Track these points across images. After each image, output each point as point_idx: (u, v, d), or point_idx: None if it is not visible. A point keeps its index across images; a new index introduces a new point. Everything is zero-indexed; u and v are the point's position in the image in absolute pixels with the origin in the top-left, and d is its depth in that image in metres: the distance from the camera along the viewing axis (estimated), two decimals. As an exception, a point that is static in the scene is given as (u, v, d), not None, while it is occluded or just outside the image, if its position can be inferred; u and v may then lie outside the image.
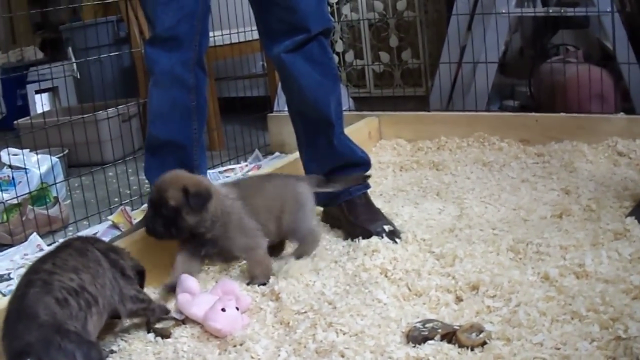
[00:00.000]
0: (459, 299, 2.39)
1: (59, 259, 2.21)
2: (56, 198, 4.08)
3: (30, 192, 3.94)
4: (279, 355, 2.13)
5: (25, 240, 3.67)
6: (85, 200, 3.98)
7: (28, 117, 5.78)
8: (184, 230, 2.56)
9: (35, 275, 2.13)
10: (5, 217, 3.87)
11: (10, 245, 3.67)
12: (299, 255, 2.77)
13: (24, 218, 3.76)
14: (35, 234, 3.66)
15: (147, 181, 4.24)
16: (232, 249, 2.70)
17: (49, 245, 3.59)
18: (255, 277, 2.66)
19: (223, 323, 2.27)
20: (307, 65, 2.92)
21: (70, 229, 3.90)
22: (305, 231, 2.82)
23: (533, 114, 4.07)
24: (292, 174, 3.08)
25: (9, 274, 3.31)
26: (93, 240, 2.46)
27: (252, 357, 2.14)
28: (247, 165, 4.50)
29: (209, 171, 3.68)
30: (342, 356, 2.05)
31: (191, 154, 3.13)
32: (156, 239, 2.61)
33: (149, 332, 2.39)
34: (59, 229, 3.89)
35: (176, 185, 2.54)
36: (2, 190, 4.04)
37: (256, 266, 2.69)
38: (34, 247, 3.57)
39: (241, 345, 2.22)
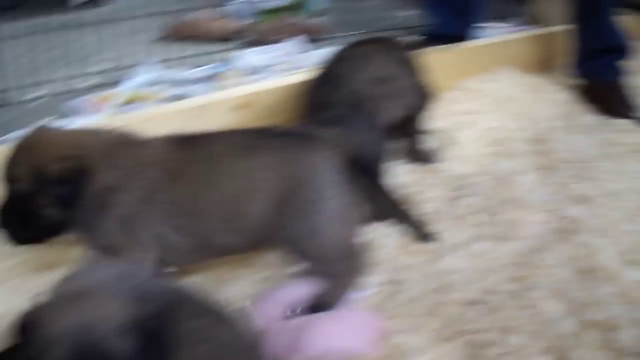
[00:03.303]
0: None
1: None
2: (320, 10, 4.33)
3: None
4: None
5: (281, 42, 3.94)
6: (346, 21, 4.16)
7: None
8: (46, 230, 1.69)
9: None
10: (264, 19, 4.17)
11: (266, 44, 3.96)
12: (324, 302, 1.74)
13: (282, 22, 4.03)
14: (293, 38, 3.93)
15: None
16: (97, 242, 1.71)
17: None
18: None
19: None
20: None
21: (329, 42, 4.13)
22: (337, 251, 1.76)
23: None
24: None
25: (264, 67, 3.62)
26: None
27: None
28: (507, 27, 4.58)
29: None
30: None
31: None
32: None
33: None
34: (318, 39, 4.15)
35: (29, 157, 1.63)
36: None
37: None
38: (289, 50, 3.85)
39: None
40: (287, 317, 1.66)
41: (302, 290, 1.73)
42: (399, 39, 2.69)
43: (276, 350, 1.58)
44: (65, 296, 1.28)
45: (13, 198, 1.64)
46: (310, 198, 1.67)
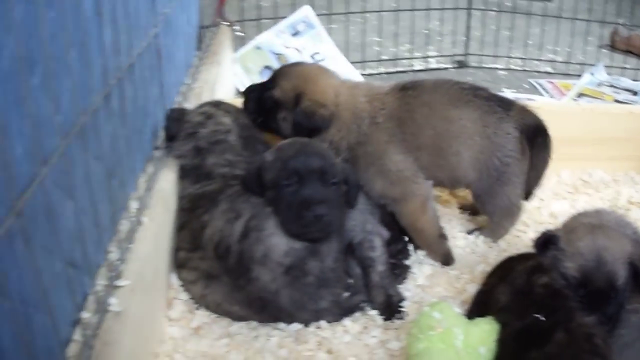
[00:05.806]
0: None
1: None
2: None
3: None
4: None
5: None
6: None
7: None
8: (274, 130, 2.02)
9: None
10: None
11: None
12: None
13: None
14: None
15: None
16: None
17: None
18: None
19: None
20: None
21: None
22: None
23: None
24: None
25: None
26: None
27: None
28: None
29: None
30: None
31: None
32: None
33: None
34: None
35: (298, 84, 1.93)
36: None
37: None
38: None
39: None
40: None
41: None
42: None
43: None
44: (585, 225, 1.89)
45: (267, 99, 1.97)
46: (500, 161, 2.03)
